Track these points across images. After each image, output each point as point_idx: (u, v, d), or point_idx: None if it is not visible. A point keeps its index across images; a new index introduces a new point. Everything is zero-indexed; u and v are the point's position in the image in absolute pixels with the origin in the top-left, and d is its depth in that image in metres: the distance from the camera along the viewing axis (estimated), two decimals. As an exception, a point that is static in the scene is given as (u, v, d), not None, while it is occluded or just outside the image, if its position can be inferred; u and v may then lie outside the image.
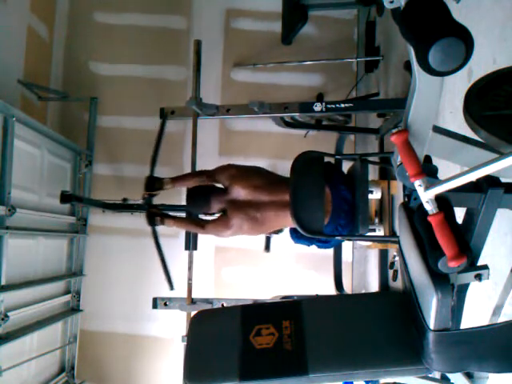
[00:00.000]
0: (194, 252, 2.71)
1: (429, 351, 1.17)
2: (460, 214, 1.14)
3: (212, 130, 3.79)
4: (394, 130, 0.97)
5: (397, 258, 2.65)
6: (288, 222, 2.41)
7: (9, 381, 2.68)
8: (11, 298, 2.65)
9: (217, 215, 2.53)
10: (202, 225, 2.51)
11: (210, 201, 2.46)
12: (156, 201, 2.74)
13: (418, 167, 0.94)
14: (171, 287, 2.63)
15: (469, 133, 1.07)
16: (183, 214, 2.76)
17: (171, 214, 2.67)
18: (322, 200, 2.30)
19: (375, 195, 2.80)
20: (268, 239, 3.25)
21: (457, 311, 1.19)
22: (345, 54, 3.74)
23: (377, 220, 2.85)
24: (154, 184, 2.58)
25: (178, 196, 3.45)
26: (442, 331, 1.12)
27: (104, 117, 3.81)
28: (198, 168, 2.70)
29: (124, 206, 2.76)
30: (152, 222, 2.57)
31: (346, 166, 2.68)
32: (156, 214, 2.58)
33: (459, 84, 1.90)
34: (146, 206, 2.62)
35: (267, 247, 3.22)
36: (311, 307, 1.49)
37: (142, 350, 3.73)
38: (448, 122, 2.01)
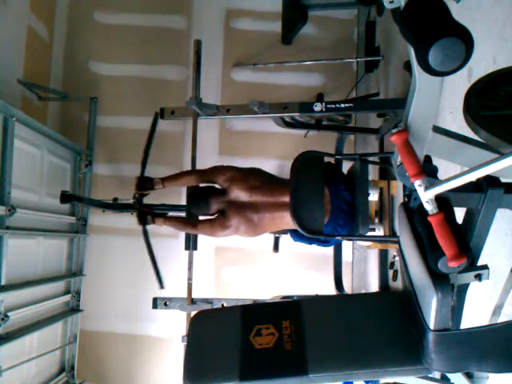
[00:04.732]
0: (194, 252, 2.71)
1: (429, 351, 1.17)
2: (460, 214, 1.14)
3: (212, 130, 3.80)
4: (393, 130, 0.97)
5: (397, 258, 2.65)
6: (285, 223, 2.41)
7: (9, 381, 2.68)
8: (11, 298, 2.65)
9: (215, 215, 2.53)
10: (194, 224, 2.52)
11: (209, 202, 2.46)
12: (156, 201, 2.75)
13: (418, 167, 0.94)
14: (161, 285, 2.64)
15: (469, 133, 1.07)
16: (178, 214, 2.76)
17: (161, 213, 2.68)
18: (321, 200, 2.30)
19: (372, 197, 2.80)
20: (277, 239, 3.25)
21: (457, 311, 1.19)
22: (345, 54, 3.74)
23: (377, 220, 2.85)
24: (145, 184, 2.60)
25: (178, 196, 3.46)
26: (442, 331, 1.12)
27: (104, 117, 3.81)
28: (198, 168, 2.71)
29: (124, 206, 2.76)
30: (143, 221, 2.58)
31: (346, 166, 2.68)
32: (147, 213, 2.59)
33: (459, 84, 1.90)
34: (137, 205, 2.63)
35: (276, 248, 3.21)
36: (311, 307, 1.49)
37: (141, 350, 3.72)
38: (448, 122, 2.01)
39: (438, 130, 1.03)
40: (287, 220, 2.34)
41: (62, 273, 3.46)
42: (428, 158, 1.13)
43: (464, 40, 0.75)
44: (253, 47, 3.85)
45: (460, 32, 0.75)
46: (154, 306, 2.67)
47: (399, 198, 2.79)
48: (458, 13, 1.86)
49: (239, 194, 2.43)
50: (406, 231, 1.23)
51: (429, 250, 1.04)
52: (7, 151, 2.55)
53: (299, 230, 2.28)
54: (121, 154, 3.82)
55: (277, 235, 3.20)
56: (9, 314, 2.56)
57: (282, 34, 3.35)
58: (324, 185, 2.34)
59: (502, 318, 1.26)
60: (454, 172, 0.93)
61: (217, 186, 2.55)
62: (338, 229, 2.36)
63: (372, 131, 3.23)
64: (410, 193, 1.19)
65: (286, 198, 2.36)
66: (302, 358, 1.31)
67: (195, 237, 2.69)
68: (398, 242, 1.34)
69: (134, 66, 3.87)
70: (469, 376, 1.28)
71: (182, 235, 2.78)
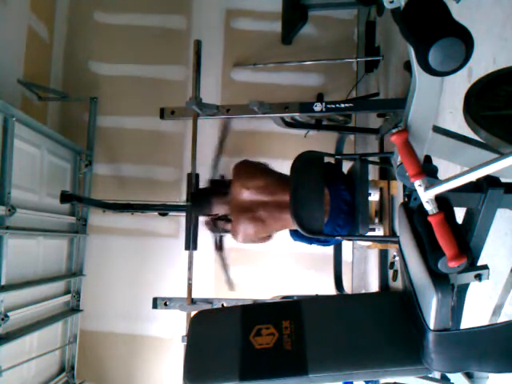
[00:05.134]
0: (194, 252, 2.71)
1: (429, 351, 1.17)
2: (460, 214, 1.14)
3: (212, 130, 3.79)
4: (393, 130, 0.97)
5: (397, 258, 2.65)
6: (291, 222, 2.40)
7: (9, 381, 2.68)
8: (11, 298, 2.65)
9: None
10: None
11: (211, 202, 2.45)
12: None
13: (418, 167, 0.93)
14: (231, 288, 2.61)
15: (469, 133, 1.07)
16: None
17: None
18: (321, 200, 2.30)
19: (373, 197, 2.80)
20: (221, 238, 3.14)
21: (457, 311, 1.19)
22: (345, 54, 3.74)
23: (377, 220, 2.85)
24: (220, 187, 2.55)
25: (179, 196, 3.46)
26: (442, 331, 1.12)
27: (104, 117, 3.81)
28: (198, 168, 2.70)
29: (124, 206, 2.76)
30: (215, 227, 2.55)
31: (346, 166, 2.68)
32: (220, 219, 2.55)
33: (459, 84, 1.90)
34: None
35: (220, 247, 3.11)
36: (311, 307, 1.49)
37: (141, 350, 3.72)
38: (448, 122, 2.01)
39: (438, 130, 1.03)
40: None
41: (62, 273, 3.46)
42: (428, 158, 1.13)
43: (464, 40, 0.75)
44: (253, 47, 3.85)
45: (460, 32, 0.75)
46: (154, 306, 2.66)
47: (399, 198, 2.79)
48: (458, 13, 1.86)
49: (240, 193, 2.41)
50: (406, 231, 1.23)
51: (429, 250, 1.04)
52: (7, 151, 2.55)
53: (299, 229, 2.28)
54: (121, 153, 3.82)
55: (220, 234, 3.08)
56: (9, 313, 2.56)
57: (282, 34, 3.34)
58: (324, 185, 2.33)
59: (502, 318, 1.26)
60: (454, 172, 0.93)
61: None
62: (338, 229, 2.36)
63: (372, 131, 3.23)
64: (409, 193, 1.19)
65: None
66: (302, 358, 1.31)
67: (195, 237, 2.69)
68: (398, 242, 1.34)
69: (134, 66, 3.87)
70: (469, 376, 1.28)
71: (182, 235, 2.78)
